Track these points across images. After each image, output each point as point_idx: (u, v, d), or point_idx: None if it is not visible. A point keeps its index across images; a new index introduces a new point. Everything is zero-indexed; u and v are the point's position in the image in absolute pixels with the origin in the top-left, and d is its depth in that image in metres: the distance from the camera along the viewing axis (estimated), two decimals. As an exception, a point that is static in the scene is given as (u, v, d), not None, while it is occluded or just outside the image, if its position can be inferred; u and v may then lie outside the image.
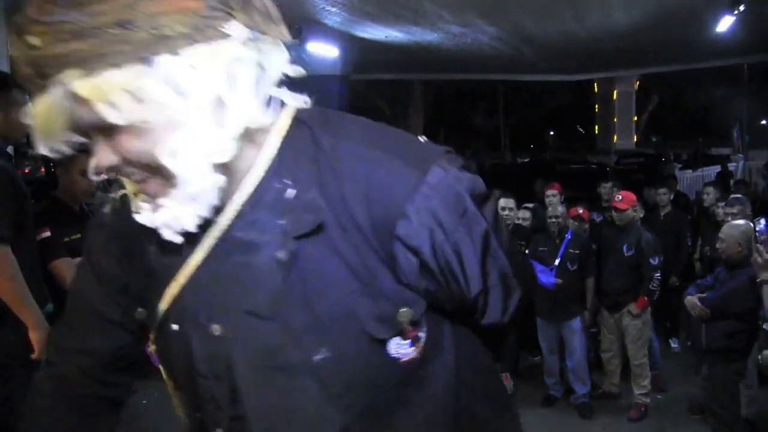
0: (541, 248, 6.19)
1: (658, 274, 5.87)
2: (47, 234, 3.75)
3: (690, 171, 19.55)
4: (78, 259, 3.83)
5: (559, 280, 5.95)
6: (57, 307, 3.54)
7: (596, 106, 33.90)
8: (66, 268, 3.76)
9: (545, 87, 29.66)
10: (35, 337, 3.05)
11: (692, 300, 4.65)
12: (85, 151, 3.42)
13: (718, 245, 4.70)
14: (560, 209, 6.29)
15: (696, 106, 34.17)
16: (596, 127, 34.41)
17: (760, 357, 4.22)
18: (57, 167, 3.98)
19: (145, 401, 6.48)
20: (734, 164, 21.83)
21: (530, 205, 7.26)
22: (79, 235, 3.88)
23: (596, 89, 32.91)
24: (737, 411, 4.57)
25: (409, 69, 17.39)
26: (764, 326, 4.26)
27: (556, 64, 15.22)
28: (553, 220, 6.17)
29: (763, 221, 4.34)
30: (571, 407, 6.07)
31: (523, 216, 6.91)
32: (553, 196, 7.16)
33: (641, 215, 6.72)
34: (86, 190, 3.94)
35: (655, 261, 5.88)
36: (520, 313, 1.22)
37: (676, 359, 7.06)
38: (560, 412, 6.08)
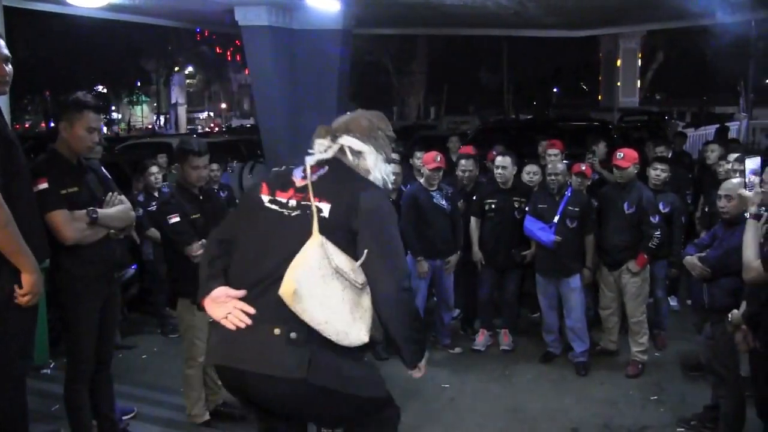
0: (540, 205, 6.19)
1: (658, 233, 5.88)
2: (45, 185, 3.71)
3: (692, 129, 19.45)
4: (76, 212, 3.82)
5: (558, 238, 5.97)
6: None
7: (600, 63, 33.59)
8: (62, 219, 3.73)
9: (549, 43, 29.34)
10: (28, 279, 3.14)
11: (692, 260, 4.63)
12: (92, 108, 3.50)
13: (718, 202, 4.67)
14: (560, 167, 6.26)
15: (701, 64, 33.85)
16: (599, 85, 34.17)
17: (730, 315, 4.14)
18: (59, 122, 3.91)
19: (144, 356, 6.56)
20: (736, 123, 21.66)
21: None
22: (76, 189, 3.85)
23: (600, 46, 32.57)
24: (737, 369, 4.58)
25: (413, 24, 17.16)
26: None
27: (561, 19, 15.01)
28: (553, 177, 6.16)
29: (758, 158, 4.26)
30: (569, 364, 6.14)
31: (532, 170, 7.00)
32: (554, 155, 7.16)
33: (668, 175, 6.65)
34: (89, 146, 3.92)
35: (655, 219, 5.89)
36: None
37: (675, 317, 7.10)
38: (559, 368, 6.14)
